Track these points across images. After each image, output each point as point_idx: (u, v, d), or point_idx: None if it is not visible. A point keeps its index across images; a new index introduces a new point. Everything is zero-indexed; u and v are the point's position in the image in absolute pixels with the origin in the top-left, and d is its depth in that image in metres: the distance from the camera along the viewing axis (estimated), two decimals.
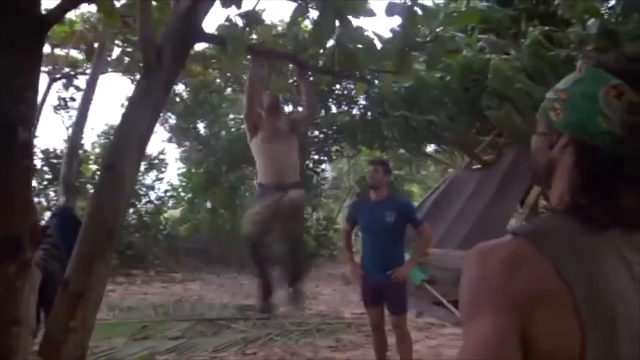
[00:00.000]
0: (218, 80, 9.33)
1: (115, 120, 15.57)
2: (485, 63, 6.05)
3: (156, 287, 7.30)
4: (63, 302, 1.72)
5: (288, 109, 9.29)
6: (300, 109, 4.13)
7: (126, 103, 2.39)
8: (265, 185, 3.26)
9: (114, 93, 17.41)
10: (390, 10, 2.25)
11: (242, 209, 11.12)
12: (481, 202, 6.80)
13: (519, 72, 5.44)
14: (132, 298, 6.36)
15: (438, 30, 2.28)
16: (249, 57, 2.97)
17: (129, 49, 5.62)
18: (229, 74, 9.26)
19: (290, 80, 6.17)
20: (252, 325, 4.79)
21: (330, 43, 2.52)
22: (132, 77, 8.25)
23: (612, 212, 0.63)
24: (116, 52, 6.00)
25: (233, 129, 10.90)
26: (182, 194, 10.98)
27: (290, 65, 2.81)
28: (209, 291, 7.00)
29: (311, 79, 2.85)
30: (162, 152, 10.58)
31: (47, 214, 5.54)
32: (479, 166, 8.30)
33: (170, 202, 11.02)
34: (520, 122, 5.56)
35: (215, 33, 2.39)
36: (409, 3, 2.32)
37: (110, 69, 7.20)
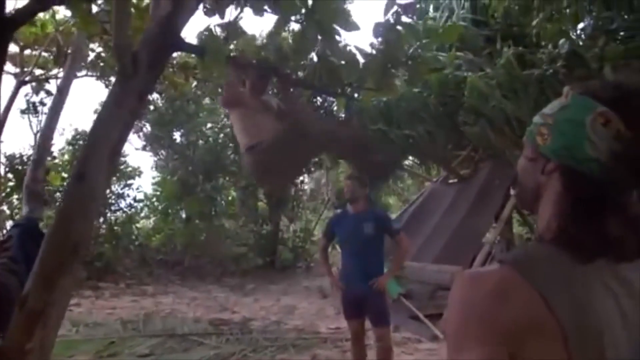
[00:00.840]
0: (194, 89, 9.22)
1: (87, 126, 15.11)
2: (462, 80, 6.21)
3: (126, 301, 7.03)
4: (20, 322, 1.61)
5: None
6: None
7: (99, 109, 2.31)
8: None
9: (87, 97, 16.82)
10: (377, 31, 2.26)
11: (218, 219, 10.96)
12: (457, 216, 6.90)
13: (494, 90, 5.59)
14: (100, 313, 6.10)
15: (418, 48, 2.30)
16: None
17: (103, 54, 5.49)
18: (207, 83, 9.18)
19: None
20: (225, 341, 4.66)
21: (313, 57, 2.52)
22: (106, 82, 8.04)
23: (600, 241, 0.63)
24: (91, 55, 5.84)
25: (210, 138, 10.77)
26: (156, 203, 10.71)
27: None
28: (181, 305, 6.79)
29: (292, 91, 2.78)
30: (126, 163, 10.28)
31: (10, 223, 5.27)
32: (455, 180, 8.45)
33: (144, 212, 10.71)
34: (495, 138, 5.70)
35: (195, 42, 2.35)
36: (392, 21, 2.34)
37: (83, 73, 7.01)
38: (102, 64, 6.45)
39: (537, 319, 0.58)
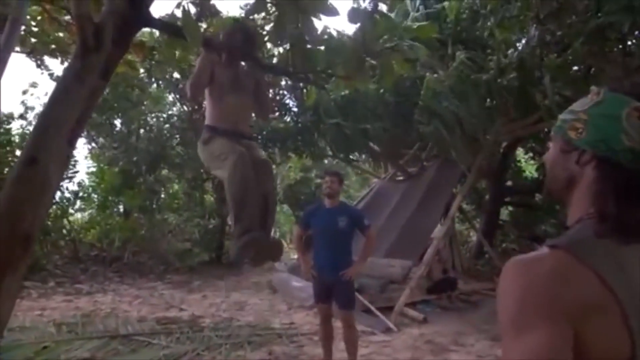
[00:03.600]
0: (142, 74, 8.63)
1: (14, 108, 13.62)
2: (417, 79, 6.40)
3: (57, 301, 6.43)
4: None
5: None
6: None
7: (41, 87, 2.04)
8: (219, 129, 2.50)
9: (16, 77, 15.14)
10: (353, 17, 2.22)
11: (159, 212, 10.41)
12: (406, 212, 7.12)
13: (447, 91, 5.83)
14: (27, 315, 5.50)
15: (395, 38, 2.30)
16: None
17: (35, 28, 4.92)
18: (153, 70, 8.63)
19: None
20: (175, 340, 4.42)
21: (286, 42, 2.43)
22: (38, 61, 7.26)
23: (638, 223, 0.67)
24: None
25: (154, 128, 10.17)
26: (93, 195, 9.93)
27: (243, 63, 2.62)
28: (122, 304, 6.35)
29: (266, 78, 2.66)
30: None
31: None
32: (402, 178, 8.72)
33: (77, 204, 9.88)
34: (447, 137, 5.95)
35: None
36: (369, 9, 2.32)
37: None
38: (34, 40, 5.79)
39: (597, 298, 0.61)
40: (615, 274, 0.62)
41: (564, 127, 0.78)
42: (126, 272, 8.59)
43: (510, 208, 11.81)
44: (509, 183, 10.91)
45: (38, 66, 7.01)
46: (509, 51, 5.31)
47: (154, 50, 2.94)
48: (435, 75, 5.75)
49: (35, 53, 6.50)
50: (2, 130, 7.97)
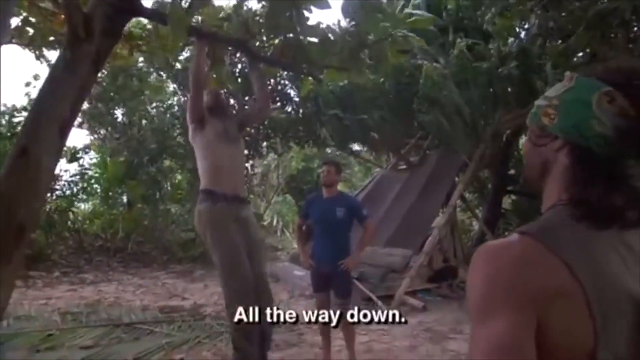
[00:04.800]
0: (141, 64, 8.61)
1: (12, 100, 13.65)
2: (416, 68, 6.34)
3: (62, 290, 6.51)
4: None
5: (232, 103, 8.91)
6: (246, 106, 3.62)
7: (43, 79, 2.05)
8: (216, 194, 2.54)
9: (13, 69, 15.13)
10: (346, 10, 2.20)
11: (163, 203, 10.47)
12: (407, 201, 7.12)
13: (447, 79, 5.77)
14: (32, 304, 5.59)
15: (390, 29, 2.28)
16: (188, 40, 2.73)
17: (32, 18, 4.89)
18: (152, 59, 8.58)
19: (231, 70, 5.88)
20: (177, 328, 4.48)
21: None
22: (36, 53, 7.24)
23: (611, 210, 0.66)
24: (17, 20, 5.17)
25: (155, 118, 10.17)
26: (95, 185, 9.98)
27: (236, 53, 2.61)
28: (126, 293, 6.42)
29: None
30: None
31: None
32: (404, 167, 8.70)
33: (80, 195, 9.94)
34: (447, 126, 5.91)
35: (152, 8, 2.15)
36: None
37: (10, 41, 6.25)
38: (31, 31, 5.76)
39: (562, 285, 0.60)
40: (583, 262, 0.62)
41: (538, 114, 0.77)
42: (130, 262, 8.67)
43: (512, 197, 11.78)
44: (512, 172, 10.86)
45: (37, 58, 6.97)
46: (510, 39, 5.24)
47: (141, 39, 2.92)
48: (436, 64, 5.69)
49: (33, 45, 6.49)
50: (3, 122, 8.00)
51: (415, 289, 5.93)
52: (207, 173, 2.59)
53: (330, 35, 2.34)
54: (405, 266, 6.17)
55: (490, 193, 10.06)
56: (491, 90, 5.88)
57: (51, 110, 1.75)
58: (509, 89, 5.69)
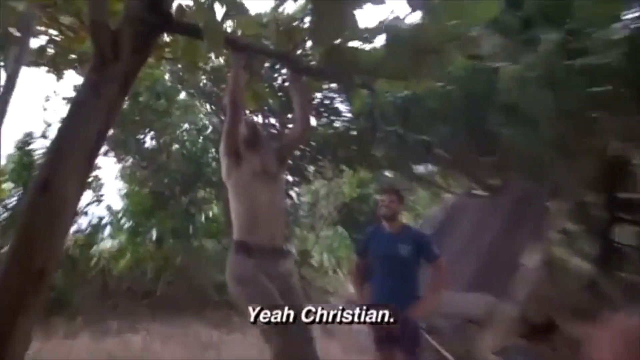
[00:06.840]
0: (168, 83, 9.10)
1: (35, 127, 14.90)
2: (492, 72, 6.18)
3: (84, 342, 6.85)
4: None
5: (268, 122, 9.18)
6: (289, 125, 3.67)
7: (64, 104, 2.22)
8: (252, 246, 2.56)
9: (35, 93, 16.67)
10: (414, 4, 2.20)
11: (196, 239, 10.80)
12: (488, 235, 6.85)
13: (532, 83, 5.57)
14: (52, 357, 5.90)
15: (460, 26, 2.24)
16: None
17: (56, 37, 5.37)
18: (181, 74, 8.98)
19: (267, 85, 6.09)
20: None
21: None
22: (59, 75, 7.92)
23: None
24: (39, 40, 5.67)
25: (187, 142, 10.65)
26: (122, 220, 10.54)
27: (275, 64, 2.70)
28: (154, 344, 6.63)
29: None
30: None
31: None
32: (482, 192, 8.41)
33: (106, 230, 10.53)
34: (532, 140, 5.66)
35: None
36: None
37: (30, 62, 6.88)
38: (53, 52, 6.29)
39: None
40: None
41: None
42: (159, 307, 8.96)
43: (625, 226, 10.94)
44: (623, 195, 10.13)
45: (58, 80, 7.60)
46: (613, 25, 4.98)
47: (168, 47, 3.10)
48: (515, 66, 5.52)
49: (53, 64, 7.10)
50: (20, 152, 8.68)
51: (504, 346, 5.61)
52: (241, 220, 2.61)
53: (391, 36, 2.34)
54: (487, 316, 5.89)
55: (596, 223, 9.43)
56: (591, 91, 5.58)
57: (76, 137, 1.89)
58: (615, 89, 5.37)
